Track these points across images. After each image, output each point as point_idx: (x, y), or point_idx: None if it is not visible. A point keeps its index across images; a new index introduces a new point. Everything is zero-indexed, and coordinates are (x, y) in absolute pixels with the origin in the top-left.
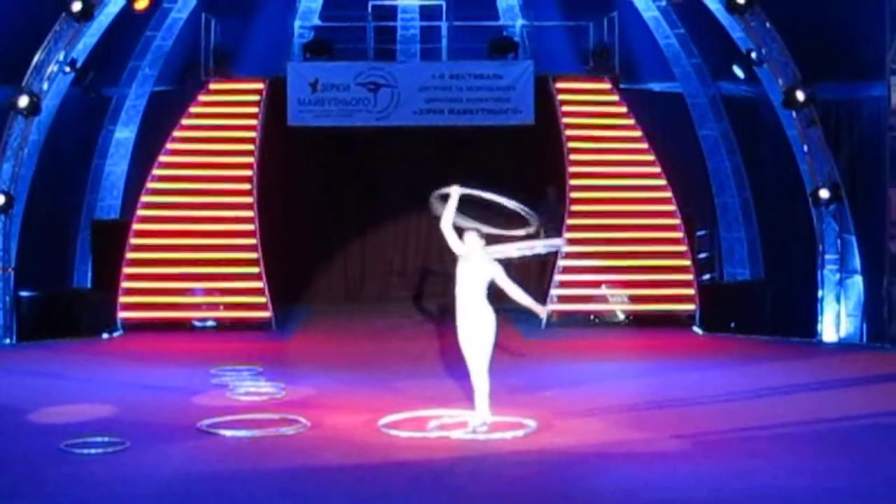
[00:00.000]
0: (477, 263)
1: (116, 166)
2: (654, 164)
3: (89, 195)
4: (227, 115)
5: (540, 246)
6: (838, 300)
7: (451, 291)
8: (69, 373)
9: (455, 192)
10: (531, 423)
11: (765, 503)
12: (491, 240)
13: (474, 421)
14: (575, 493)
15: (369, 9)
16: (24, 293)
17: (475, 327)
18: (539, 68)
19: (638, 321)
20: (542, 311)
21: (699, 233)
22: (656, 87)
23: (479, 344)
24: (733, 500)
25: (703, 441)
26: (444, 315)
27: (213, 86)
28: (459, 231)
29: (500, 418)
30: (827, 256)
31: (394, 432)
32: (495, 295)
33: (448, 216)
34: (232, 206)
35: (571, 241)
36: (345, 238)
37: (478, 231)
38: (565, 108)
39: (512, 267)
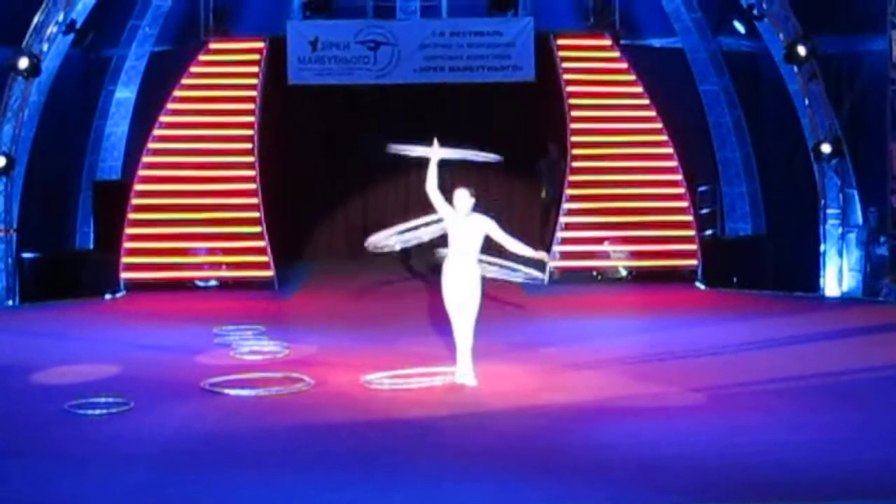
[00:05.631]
0: (470, 221)
1: (117, 127)
2: (656, 120)
3: (90, 156)
4: (227, 75)
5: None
6: (840, 254)
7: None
8: (72, 333)
9: (434, 154)
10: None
11: (767, 457)
12: None
13: (455, 375)
14: (577, 447)
15: None
16: (26, 255)
17: (469, 286)
18: (539, 25)
19: (640, 277)
20: (543, 256)
21: (701, 188)
22: (657, 42)
23: (469, 302)
24: (736, 455)
25: (705, 396)
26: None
27: (213, 45)
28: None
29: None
30: (829, 211)
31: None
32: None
33: (432, 178)
34: (233, 165)
35: (573, 198)
36: (346, 195)
37: (469, 189)
38: (566, 65)
39: (514, 221)
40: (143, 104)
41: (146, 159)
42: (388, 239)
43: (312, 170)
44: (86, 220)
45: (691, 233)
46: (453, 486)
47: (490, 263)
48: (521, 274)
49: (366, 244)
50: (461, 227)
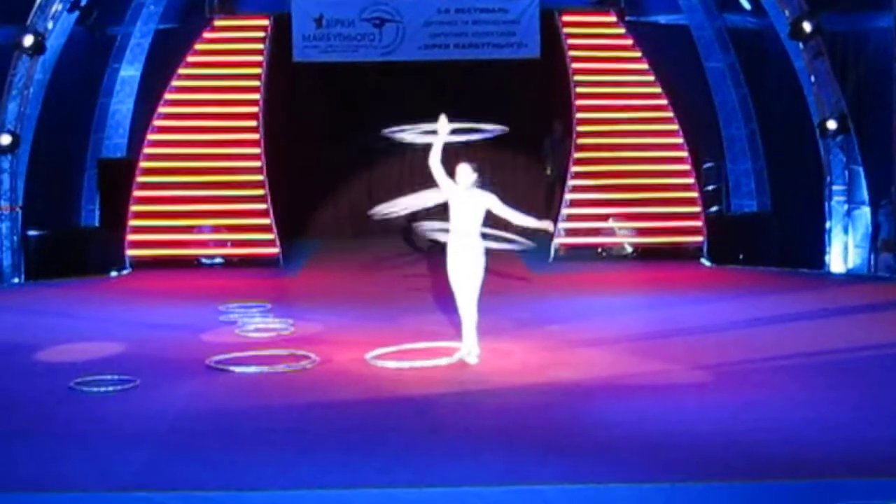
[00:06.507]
0: (471, 195)
1: (122, 105)
2: (661, 97)
3: (95, 134)
4: (232, 52)
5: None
6: (846, 231)
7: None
8: (77, 311)
9: (443, 126)
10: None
11: (772, 435)
12: None
13: (461, 352)
14: (582, 424)
15: None
16: (31, 232)
17: (469, 262)
18: (544, 2)
19: (645, 254)
20: (547, 225)
21: (706, 165)
22: (662, 19)
23: (472, 278)
24: (741, 432)
25: (710, 373)
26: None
27: (217, 22)
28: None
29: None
30: (834, 188)
31: (379, 363)
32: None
33: (436, 152)
34: (238, 143)
35: (578, 175)
36: (351, 173)
37: (471, 164)
38: (571, 42)
39: (519, 198)
40: (148, 82)
41: (151, 137)
42: (392, 208)
43: (317, 147)
44: (91, 198)
45: (697, 209)
46: (458, 463)
47: (489, 236)
48: (517, 244)
49: (371, 213)
50: (463, 202)
